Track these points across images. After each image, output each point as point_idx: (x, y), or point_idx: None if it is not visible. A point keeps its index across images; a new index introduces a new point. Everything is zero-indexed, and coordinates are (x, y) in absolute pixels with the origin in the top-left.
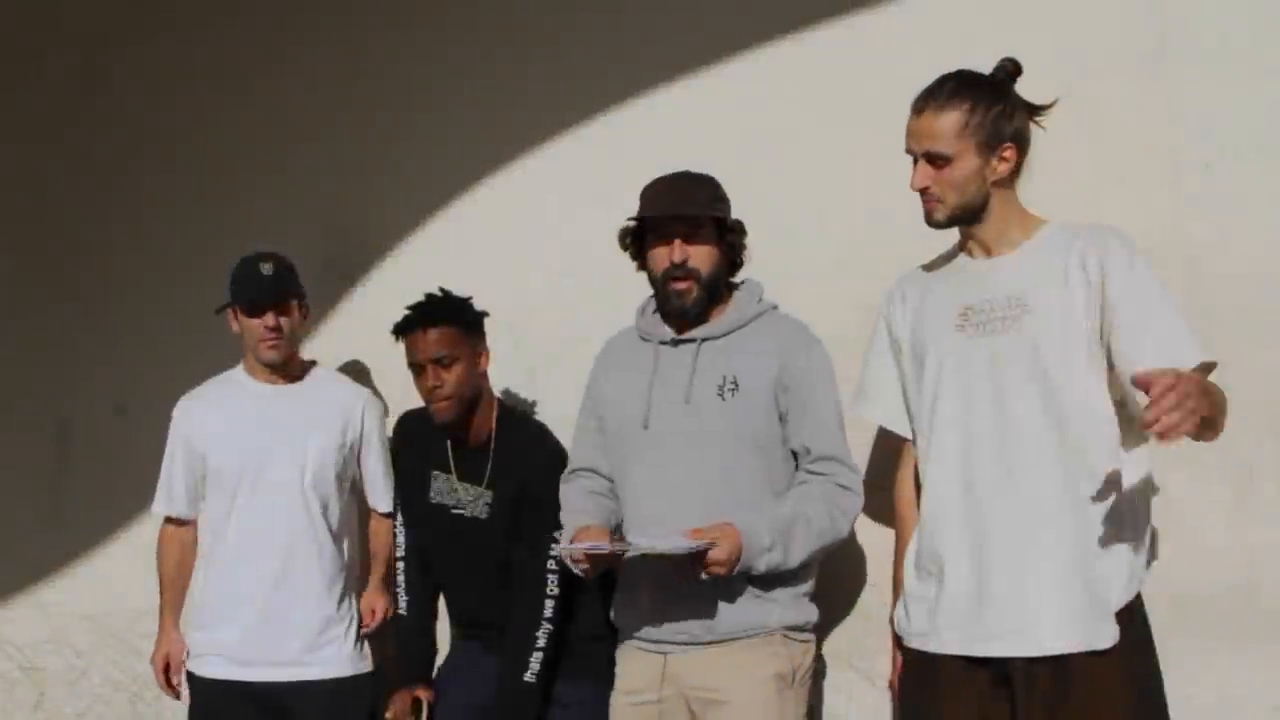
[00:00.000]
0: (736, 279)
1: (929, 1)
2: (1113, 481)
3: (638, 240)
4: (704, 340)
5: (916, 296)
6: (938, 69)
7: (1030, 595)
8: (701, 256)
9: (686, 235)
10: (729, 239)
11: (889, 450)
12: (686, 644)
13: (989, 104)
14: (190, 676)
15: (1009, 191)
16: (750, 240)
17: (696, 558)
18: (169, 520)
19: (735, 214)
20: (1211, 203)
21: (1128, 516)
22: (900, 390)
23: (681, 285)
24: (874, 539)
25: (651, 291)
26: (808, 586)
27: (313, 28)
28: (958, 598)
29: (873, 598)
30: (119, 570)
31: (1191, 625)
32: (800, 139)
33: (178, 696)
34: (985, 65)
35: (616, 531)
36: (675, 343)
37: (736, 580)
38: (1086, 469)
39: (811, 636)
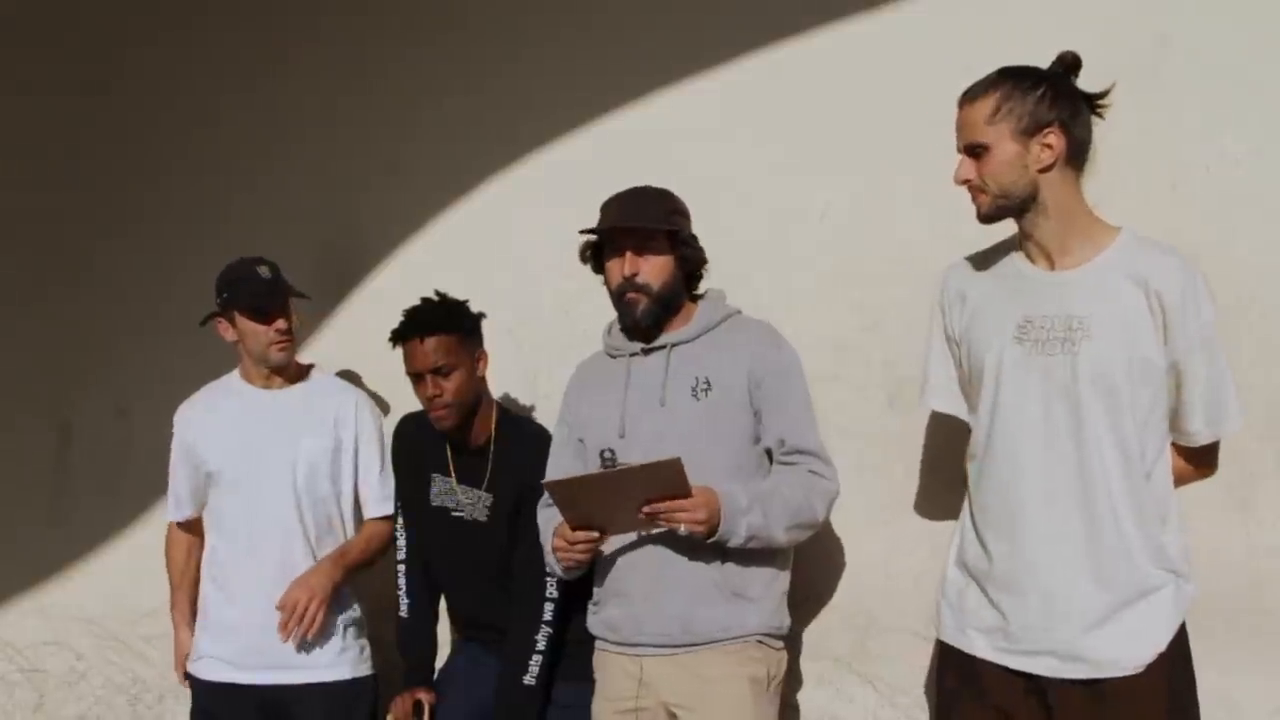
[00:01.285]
0: (700, 290)
1: (930, 4)
2: (1159, 508)
3: (597, 254)
4: (674, 345)
5: (975, 296)
6: (937, 70)
7: (1065, 614)
8: (653, 269)
9: (637, 248)
10: (683, 251)
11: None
12: (663, 646)
13: (1025, 90)
14: (191, 679)
15: (1065, 185)
16: (750, 241)
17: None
18: (176, 524)
19: (735, 216)
20: (1211, 203)
21: (1172, 544)
22: (958, 382)
23: (631, 297)
24: (879, 545)
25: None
26: (783, 586)
27: (313, 30)
28: (984, 607)
29: (875, 603)
30: (120, 572)
31: (1192, 626)
32: (801, 140)
33: None
34: (985, 67)
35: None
36: (646, 351)
37: (713, 578)
38: (1135, 492)
39: (783, 644)
